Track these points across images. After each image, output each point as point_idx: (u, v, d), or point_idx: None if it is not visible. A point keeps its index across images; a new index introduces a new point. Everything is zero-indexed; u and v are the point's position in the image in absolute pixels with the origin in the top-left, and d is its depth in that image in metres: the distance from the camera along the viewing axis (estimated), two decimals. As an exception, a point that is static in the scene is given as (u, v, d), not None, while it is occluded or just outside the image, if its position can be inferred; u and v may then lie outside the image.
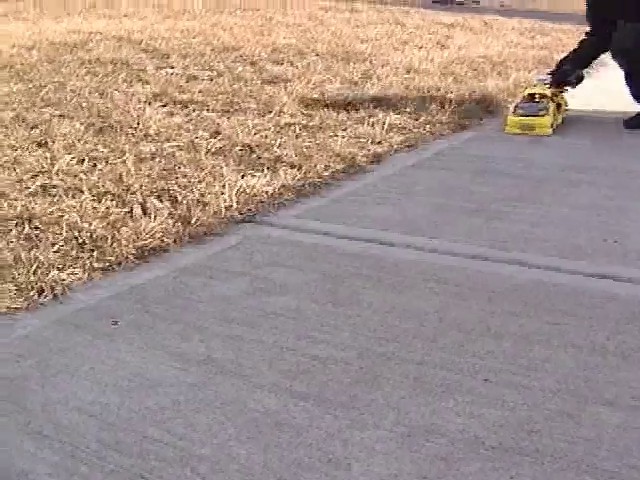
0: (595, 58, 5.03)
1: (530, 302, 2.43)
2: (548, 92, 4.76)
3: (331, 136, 4.28)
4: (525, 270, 2.67)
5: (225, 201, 3.22)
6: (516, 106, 4.76)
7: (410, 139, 4.34)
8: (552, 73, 4.97)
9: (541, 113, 4.64)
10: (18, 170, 3.56)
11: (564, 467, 1.66)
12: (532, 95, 4.76)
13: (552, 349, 2.14)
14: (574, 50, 5.02)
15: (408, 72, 6.11)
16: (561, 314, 2.34)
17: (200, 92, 5.26)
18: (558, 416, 1.84)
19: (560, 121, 4.83)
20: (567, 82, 4.91)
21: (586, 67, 5.03)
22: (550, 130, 4.64)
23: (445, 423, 1.82)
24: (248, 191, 3.34)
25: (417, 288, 2.54)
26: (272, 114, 4.66)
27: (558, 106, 4.83)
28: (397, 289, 2.53)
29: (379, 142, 4.22)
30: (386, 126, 4.46)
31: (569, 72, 4.88)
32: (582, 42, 4.99)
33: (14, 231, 2.92)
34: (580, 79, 4.93)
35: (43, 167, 3.60)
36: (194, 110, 4.81)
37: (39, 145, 3.99)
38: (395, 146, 4.21)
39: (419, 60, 6.52)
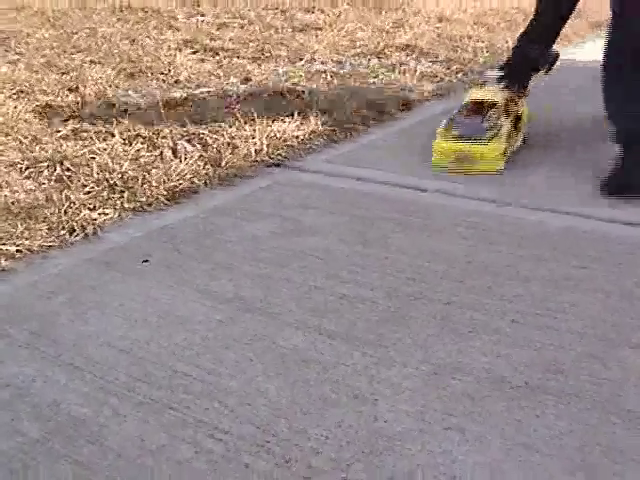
0: (562, 25, 3.27)
1: (559, 247, 2.42)
2: (500, 98, 3.20)
3: (362, 83, 4.26)
4: (555, 216, 2.66)
5: (255, 145, 3.23)
6: (451, 119, 3.18)
7: (441, 87, 4.30)
8: (506, 63, 3.39)
9: (488, 135, 3.07)
10: (50, 114, 3.58)
11: (589, 407, 1.67)
12: (478, 104, 3.21)
13: (580, 293, 2.13)
14: (531, 22, 3.32)
15: (440, 21, 6.05)
16: (590, 259, 2.34)
17: (231, 40, 5.24)
18: (584, 358, 1.84)
19: (520, 143, 3.29)
20: (535, 68, 3.33)
21: (554, 43, 3.32)
22: (502, 164, 3.06)
23: (471, 362, 1.83)
24: (278, 136, 3.34)
25: (446, 232, 2.54)
26: (303, 61, 4.63)
27: (516, 120, 3.25)
28: (426, 232, 2.53)
29: (410, 90, 4.20)
30: (417, 74, 4.43)
31: (534, 53, 3.29)
32: (538, 9, 3.27)
33: (45, 172, 2.95)
34: (554, 60, 3.43)
35: (74, 112, 3.62)
36: (225, 57, 4.79)
37: (70, 90, 4.00)
38: (426, 94, 4.17)
39: (452, 10, 6.45)
